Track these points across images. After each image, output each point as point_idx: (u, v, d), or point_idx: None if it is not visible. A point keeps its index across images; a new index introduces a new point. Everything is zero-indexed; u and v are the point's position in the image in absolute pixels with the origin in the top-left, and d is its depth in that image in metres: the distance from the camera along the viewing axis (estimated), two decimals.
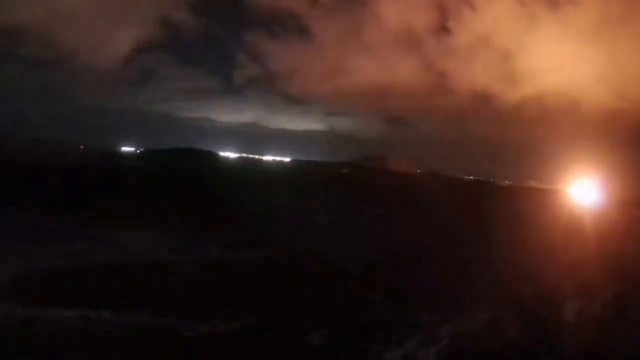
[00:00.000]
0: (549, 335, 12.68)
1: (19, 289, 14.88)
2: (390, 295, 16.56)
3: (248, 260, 21.27)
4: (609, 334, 12.45)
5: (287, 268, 20.33)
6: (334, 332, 12.96)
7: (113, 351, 11.25)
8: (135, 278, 17.25)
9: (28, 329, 11.91)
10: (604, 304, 14.01)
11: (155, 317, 13.24)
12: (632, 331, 12.82)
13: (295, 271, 19.81)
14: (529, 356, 12.04)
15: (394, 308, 15.18)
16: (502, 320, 13.74)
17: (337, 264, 21.05)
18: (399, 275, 19.46)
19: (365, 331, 13.16)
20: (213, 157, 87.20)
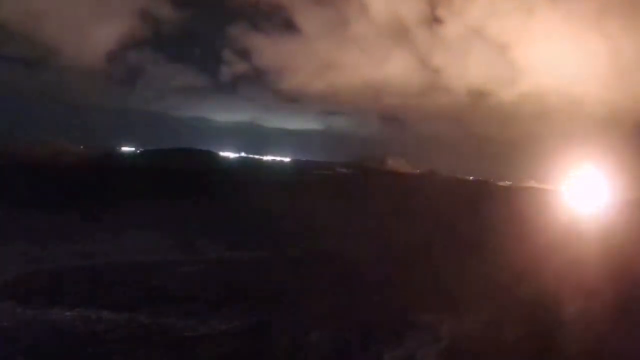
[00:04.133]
0: (548, 336, 12.68)
1: (19, 289, 14.90)
2: (390, 295, 16.56)
3: (248, 260, 21.28)
4: (609, 334, 12.45)
5: (287, 268, 20.34)
6: (334, 332, 12.97)
7: (113, 351, 11.26)
8: (135, 278, 17.25)
9: (28, 329, 11.91)
10: (604, 304, 14.00)
11: (155, 317, 13.25)
12: (632, 331, 12.81)
13: (295, 271, 19.82)
14: (528, 356, 12.04)
15: (394, 308, 15.18)
16: (502, 321, 13.74)
17: (337, 263, 21.05)
18: (399, 275, 19.46)
19: (365, 331, 13.16)
20: (213, 157, 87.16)
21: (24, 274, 16.32)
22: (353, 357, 11.92)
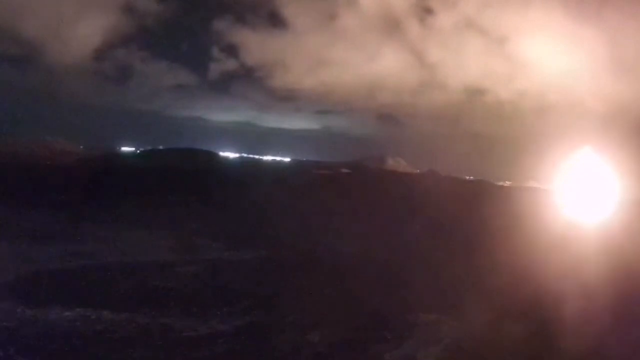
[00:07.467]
0: (549, 336, 12.68)
1: (19, 289, 14.88)
2: (390, 295, 16.56)
3: (248, 260, 21.27)
4: (609, 334, 12.45)
5: (287, 268, 20.34)
6: (334, 332, 12.97)
7: (113, 351, 11.25)
8: (135, 278, 17.25)
9: (28, 329, 11.91)
10: (605, 304, 14.01)
11: (155, 317, 13.25)
12: (632, 331, 12.83)
13: (295, 271, 19.82)
14: (529, 356, 12.04)
15: (394, 308, 15.18)
16: (502, 321, 13.74)
17: (337, 263, 21.05)
18: (399, 275, 19.46)
19: (365, 331, 13.16)
20: (213, 157, 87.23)
21: (24, 274, 16.31)
22: (353, 357, 11.91)
